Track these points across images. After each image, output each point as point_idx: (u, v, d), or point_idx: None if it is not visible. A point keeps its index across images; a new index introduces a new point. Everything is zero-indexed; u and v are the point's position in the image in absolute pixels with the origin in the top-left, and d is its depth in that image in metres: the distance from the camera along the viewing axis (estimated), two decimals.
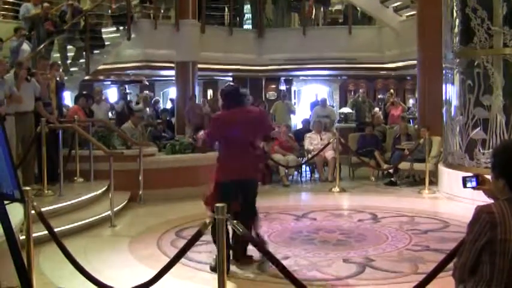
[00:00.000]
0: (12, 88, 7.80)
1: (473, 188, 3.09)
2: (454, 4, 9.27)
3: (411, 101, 19.95)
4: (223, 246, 3.68)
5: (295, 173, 12.00)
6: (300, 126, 15.47)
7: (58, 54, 12.59)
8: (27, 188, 4.61)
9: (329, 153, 11.44)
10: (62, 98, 10.25)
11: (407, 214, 8.22)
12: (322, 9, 17.45)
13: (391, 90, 19.40)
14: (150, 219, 8.05)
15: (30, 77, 8.24)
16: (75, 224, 7.15)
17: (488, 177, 2.95)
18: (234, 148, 5.70)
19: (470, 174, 3.18)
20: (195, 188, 9.44)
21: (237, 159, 5.68)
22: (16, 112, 7.90)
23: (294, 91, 22.32)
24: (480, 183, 3.08)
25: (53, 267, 5.57)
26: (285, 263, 4.66)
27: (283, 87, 20.87)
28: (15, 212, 4.39)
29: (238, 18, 17.25)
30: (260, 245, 4.85)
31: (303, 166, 12.15)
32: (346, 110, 17.11)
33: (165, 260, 4.50)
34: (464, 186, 3.10)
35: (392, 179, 10.98)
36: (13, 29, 11.66)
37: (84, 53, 12.77)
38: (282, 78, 20.93)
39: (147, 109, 15.20)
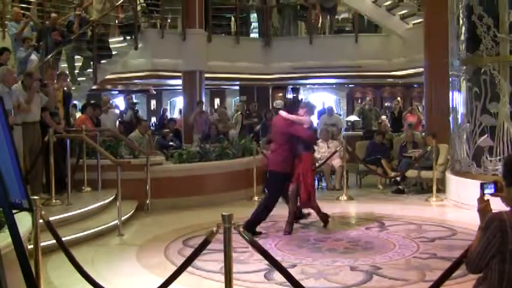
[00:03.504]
0: (20, 98, 7.84)
1: (491, 194, 3.05)
2: (460, 12, 9.28)
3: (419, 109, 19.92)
4: (230, 255, 3.69)
5: None
6: None
7: (65, 64, 12.66)
8: (36, 197, 4.63)
9: (336, 162, 11.44)
10: (70, 108, 10.28)
11: (414, 222, 8.20)
12: (328, 17, 17.41)
13: (398, 98, 19.37)
14: (157, 228, 8.06)
15: (42, 88, 8.31)
16: (83, 233, 7.18)
17: None
18: (272, 144, 8.09)
19: (488, 180, 3.13)
20: (203, 197, 9.51)
21: (271, 153, 8.04)
22: (23, 122, 7.93)
23: (301, 99, 22.33)
24: (498, 190, 3.03)
25: (61, 276, 5.59)
26: (292, 271, 4.65)
27: (290, 95, 20.90)
28: (24, 221, 4.41)
29: (244, 27, 17.26)
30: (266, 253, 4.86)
31: None
32: (353, 118, 17.09)
33: (173, 269, 4.51)
34: (483, 192, 3.04)
35: (399, 186, 10.96)
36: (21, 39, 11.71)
37: (91, 62, 12.83)
38: (289, 87, 20.96)
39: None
